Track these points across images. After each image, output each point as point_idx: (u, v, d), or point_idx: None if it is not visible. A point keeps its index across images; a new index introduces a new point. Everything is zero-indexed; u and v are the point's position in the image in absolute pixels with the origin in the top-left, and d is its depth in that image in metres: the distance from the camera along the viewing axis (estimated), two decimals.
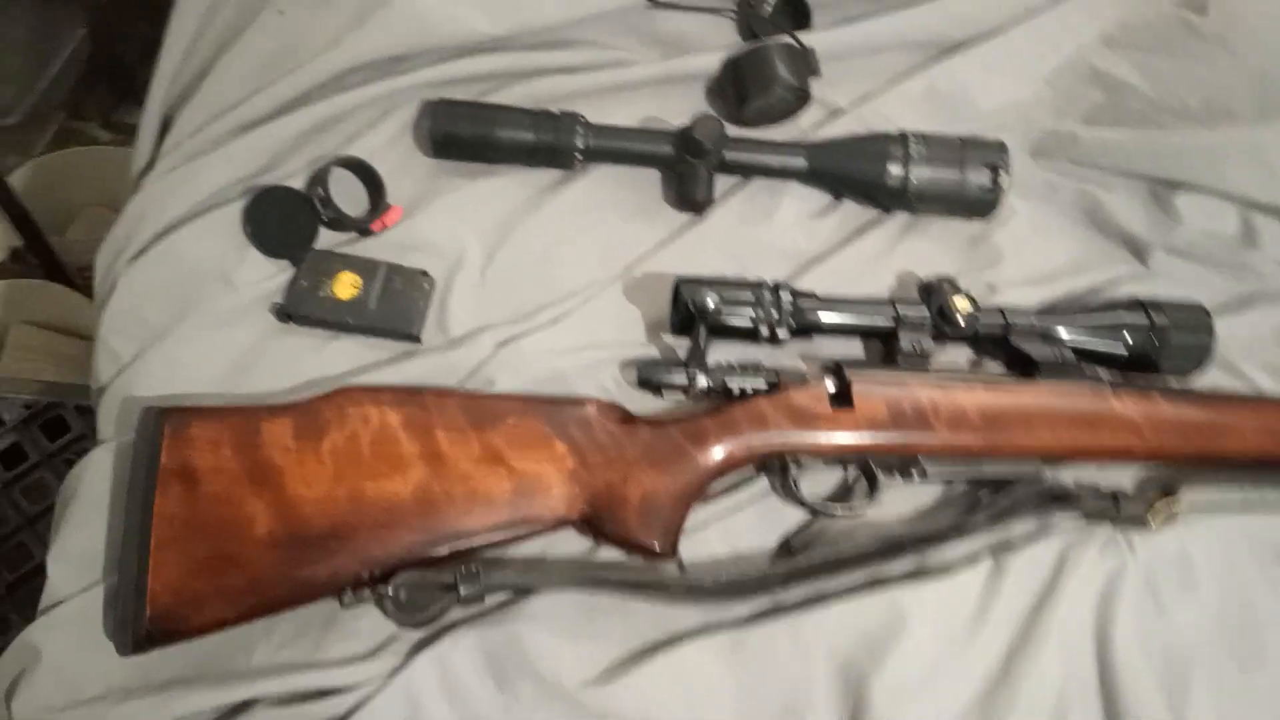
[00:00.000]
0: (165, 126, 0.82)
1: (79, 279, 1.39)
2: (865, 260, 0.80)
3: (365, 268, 0.75)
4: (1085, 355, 0.74)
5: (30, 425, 1.00)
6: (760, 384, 0.70)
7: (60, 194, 1.47)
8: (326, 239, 0.77)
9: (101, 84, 1.51)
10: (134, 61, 0.80)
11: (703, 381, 0.69)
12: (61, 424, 1.03)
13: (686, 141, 0.78)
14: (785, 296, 0.71)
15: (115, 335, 0.74)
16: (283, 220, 0.76)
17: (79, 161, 1.48)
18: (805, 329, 0.72)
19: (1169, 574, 0.69)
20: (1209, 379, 0.76)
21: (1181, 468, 0.73)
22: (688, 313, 0.70)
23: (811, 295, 0.73)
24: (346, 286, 0.74)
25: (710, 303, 0.69)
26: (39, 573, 0.67)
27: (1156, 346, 0.73)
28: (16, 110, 1.43)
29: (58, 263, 1.40)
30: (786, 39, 0.83)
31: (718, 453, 0.67)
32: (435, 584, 0.63)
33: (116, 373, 0.72)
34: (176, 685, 0.62)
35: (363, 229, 0.77)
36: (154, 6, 0.85)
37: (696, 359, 0.70)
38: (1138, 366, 0.74)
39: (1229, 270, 0.81)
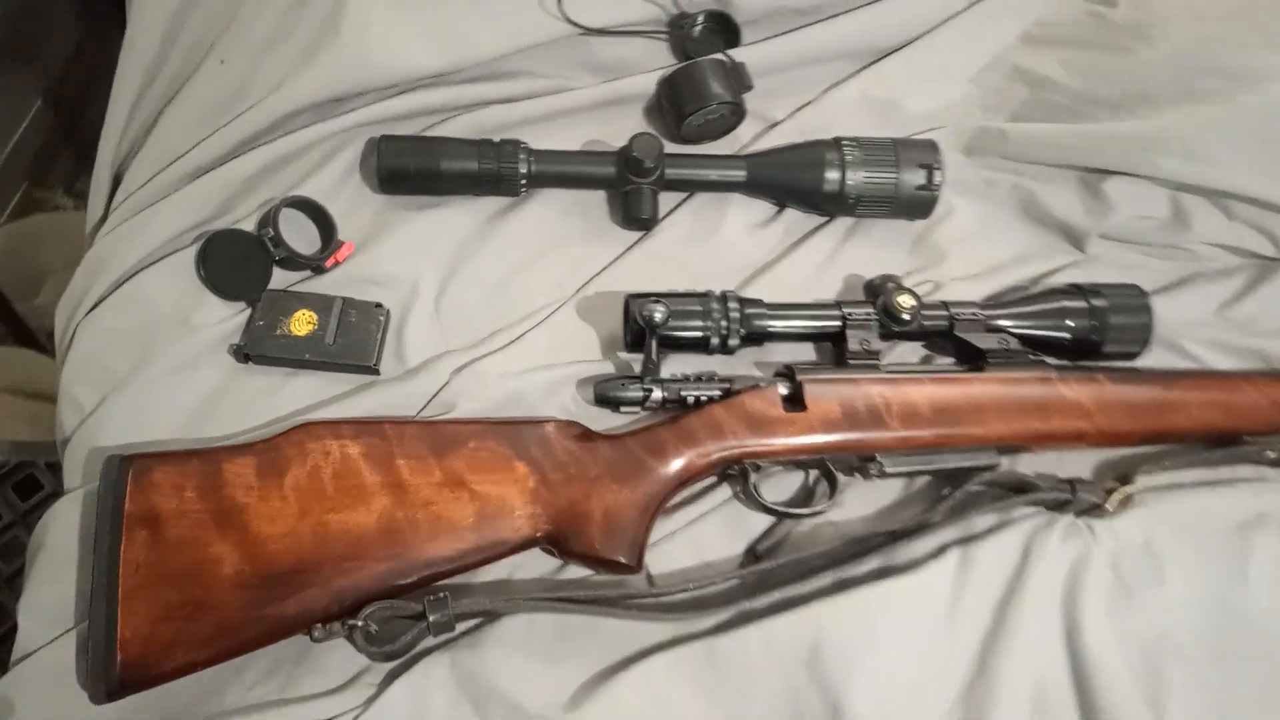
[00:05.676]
0: (116, 184, 0.83)
1: (48, 344, 1.38)
2: (812, 266, 0.82)
3: (320, 304, 0.76)
4: (1030, 342, 0.75)
5: (2, 485, 1.00)
6: (715, 392, 0.71)
7: (26, 261, 1.47)
8: (281, 278, 0.78)
9: (64, 152, 1.52)
10: (95, 129, 0.81)
11: (658, 394, 0.70)
12: (33, 483, 1.03)
13: (627, 161, 0.79)
14: (733, 305, 0.73)
15: (78, 384, 0.74)
16: (236, 263, 0.77)
17: (44, 228, 1.48)
18: (755, 336, 0.73)
19: (1135, 560, 0.67)
20: (1155, 359, 0.78)
21: (1135, 448, 0.74)
22: (639, 328, 0.71)
23: (758, 302, 0.74)
24: (303, 324, 0.75)
25: (659, 316, 0.69)
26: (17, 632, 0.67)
27: (1097, 329, 0.75)
28: None
29: (26, 329, 1.40)
30: (719, 56, 0.85)
31: (677, 463, 0.68)
32: (404, 614, 0.63)
33: (80, 422, 0.73)
34: None
35: (316, 266, 0.78)
36: (110, 74, 0.86)
37: (650, 373, 0.71)
38: (1082, 350, 0.76)
39: (1164, 252, 0.84)
